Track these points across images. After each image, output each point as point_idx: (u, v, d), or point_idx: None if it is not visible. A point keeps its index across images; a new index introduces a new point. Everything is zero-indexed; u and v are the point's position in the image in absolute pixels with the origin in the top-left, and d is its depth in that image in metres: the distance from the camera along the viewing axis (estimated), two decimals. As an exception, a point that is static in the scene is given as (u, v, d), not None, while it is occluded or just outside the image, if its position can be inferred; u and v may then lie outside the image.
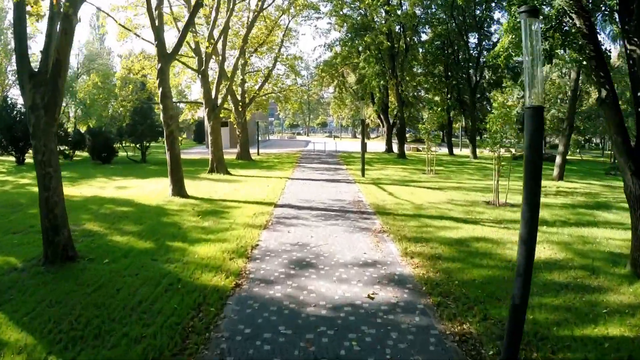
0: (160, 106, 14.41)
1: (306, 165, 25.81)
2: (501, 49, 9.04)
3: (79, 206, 12.44)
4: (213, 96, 21.11)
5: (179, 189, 14.00)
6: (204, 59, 20.31)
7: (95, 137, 27.76)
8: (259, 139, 53.41)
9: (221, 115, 34.22)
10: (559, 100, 42.35)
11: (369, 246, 8.50)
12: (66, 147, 29.69)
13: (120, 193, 14.92)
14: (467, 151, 41.12)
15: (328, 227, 9.92)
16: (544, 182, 19.18)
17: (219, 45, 21.77)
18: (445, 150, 40.53)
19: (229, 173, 21.09)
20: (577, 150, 39.91)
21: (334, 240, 8.88)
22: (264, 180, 19.08)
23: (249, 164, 26.82)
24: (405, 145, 35.19)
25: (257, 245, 8.53)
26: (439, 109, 21.48)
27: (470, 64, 32.65)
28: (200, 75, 20.94)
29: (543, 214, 12.11)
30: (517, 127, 14.51)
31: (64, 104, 51.21)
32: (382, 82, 29.25)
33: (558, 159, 21.07)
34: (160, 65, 13.81)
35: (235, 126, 28.72)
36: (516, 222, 10.47)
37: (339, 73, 36.95)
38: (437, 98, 34.11)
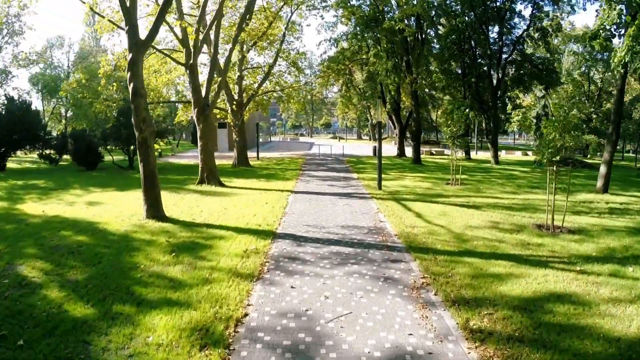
0: (133, 106, 11.60)
1: (311, 174, 23.00)
2: (600, 28, 6.22)
3: (31, 232, 9.84)
4: (203, 94, 18.31)
5: (154, 211, 11.21)
6: (192, 51, 17.50)
7: (77, 140, 25.02)
8: (259, 141, 50.78)
9: (218, 116, 31.72)
10: (585, 100, 39.42)
11: (412, 318, 5.66)
12: (52, 151, 27.06)
13: (88, 212, 12.17)
14: (485, 155, 38.30)
15: (347, 279, 7.06)
16: (589, 197, 16.31)
17: (212, 36, 18.99)
18: (461, 153, 37.76)
19: (221, 184, 18.32)
20: (598, 153, 37.02)
21: (358, 305, 6.03)
22: (262, 194, 16.30)
23: (247, 171, 24.00)
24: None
25: (245, 317, 5.70)
26: (465, 109, 18.55)
27: (491, 61, 29.74)
28: (187, 70, 18.15)
29: (610, 242, 9.32)
30: (577, 134, 11.63)
31: (52, 105, 48.92)
32: (395, 78, 26.37)
33: (602, 169, 18.11)
34: (130, 55, 11.02)
35: (232, 128, 25.94)
36: (592, 259, 8.18)
37: (346, 70, 34.10)
38: (448, 97, 31.30)
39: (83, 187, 17.59)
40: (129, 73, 11.25)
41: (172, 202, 13.84)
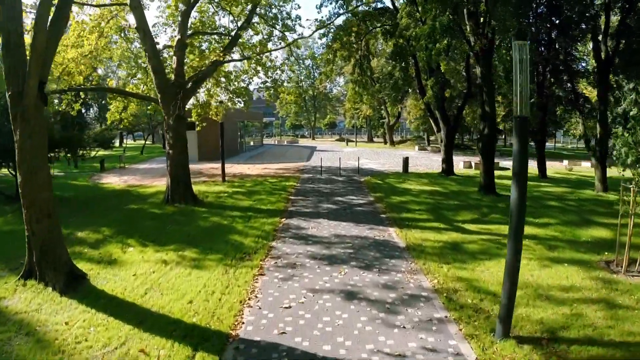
0: None
1: (303, 212, 12.05)
2: None
3: None
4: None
5: None
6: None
7: None
8: (244, 145, 39.61)
9: (149, 110, 20.74)
10: None
11: None
12: None
13: None
14: (557, 164, 26.83)
15: None
16: None
17: None
18: (530, 164, 26.36)
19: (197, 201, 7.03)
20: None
21: None
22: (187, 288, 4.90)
23: (178, 218, 12.83)
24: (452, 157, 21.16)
25: None
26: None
27: (595, 24, 18.27)
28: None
29: None
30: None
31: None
32: (448, 43, 15.08)
33: None
34: None
35: (166, 132, 14.75)
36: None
37: (361, 45, 22.87)
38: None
39: None
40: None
41: None
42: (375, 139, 60.00)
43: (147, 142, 50.47)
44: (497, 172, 22.94)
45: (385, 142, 49.72)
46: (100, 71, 38.68)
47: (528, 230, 11.06)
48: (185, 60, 17.21)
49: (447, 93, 21.89)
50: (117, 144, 51.60)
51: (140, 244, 9.95)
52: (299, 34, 36.66)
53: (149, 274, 7.93)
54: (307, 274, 7.62)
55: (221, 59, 14.71)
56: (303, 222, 11.40)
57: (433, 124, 20.91)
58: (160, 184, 18.98)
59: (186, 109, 21.42)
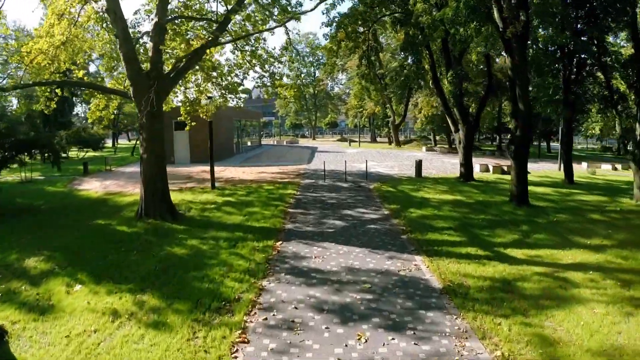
0: None
1: (304, 233, 9.67)
2: None
3: None
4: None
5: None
6: None
7: None
8: (240, 145, 36.92)
9: (127, 109, 18.30)
10: None
11: None
12: None
13: None
14: (547, 167, 24.43)
15: None
16: None
17: None
18: (549, 166, 24.25)
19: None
20: None
21: None
22: None
23: (160, 229, 10.45)
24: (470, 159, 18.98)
25: None
26: None
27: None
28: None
29: None
30: None
31: None
32: (473, 27, 12.67)
33: None
34: None
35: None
36: None
37: (368, 35, 20.45)
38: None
39: None
40: None
41: None
42: (378, 139, 57.59)
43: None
44: (509, 176, 20.53)
45: (390, 143, 47.24)
46: (93, 68, 35.85)
47: (583, 256, 8.73)
48: (169, 52, 14.86)
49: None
50: (110, 144, 49.34)
51: (93, 279, 7.60)
52: (300, 10, 34.22)
53: (88, 335, 5.57)
54: (310, 342, 5.23)
55: (204, 42, 12.29)
56: (304, 248, 9.00)
57: (450, 123, 18.51)
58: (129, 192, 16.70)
59: (174, 105, 19.08)
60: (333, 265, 7.89)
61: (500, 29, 13.58)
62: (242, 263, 8.01)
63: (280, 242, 9.34)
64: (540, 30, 17.82)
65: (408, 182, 17.95)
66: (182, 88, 18.81)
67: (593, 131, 36.20)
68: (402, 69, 21.07)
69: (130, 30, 15.49)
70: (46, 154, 21.20)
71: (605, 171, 25.77)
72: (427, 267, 7.91)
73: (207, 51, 15.52)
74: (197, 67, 16.03)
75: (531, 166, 24.80)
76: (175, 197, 15.01)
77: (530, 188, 16.63)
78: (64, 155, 31.94)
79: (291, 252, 8.68)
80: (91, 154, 34.39)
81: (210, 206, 13.39)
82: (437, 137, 45.34)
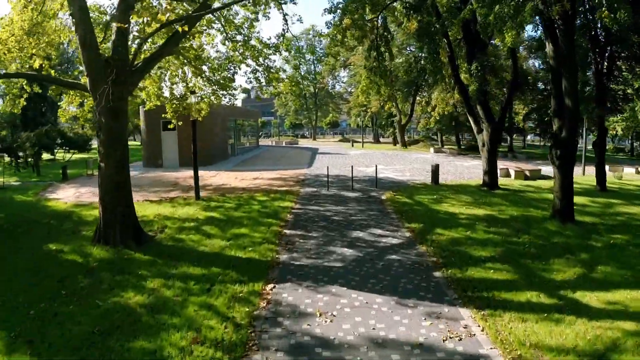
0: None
1: (304, 269, 7.21)
2: None
3: None
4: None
5: None
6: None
7: None
8: (236, 147, 34.26)
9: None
10: None
11: None
12: None
13: None
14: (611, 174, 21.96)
15: None
16: None
17: None
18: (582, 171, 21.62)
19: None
20: None
21: None
22: None
23: (118, 260, 7.98)
24: (486, 164, 16.63)
25: None
26: None
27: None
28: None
29: None
30: None
31: None
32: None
33: None
34: None
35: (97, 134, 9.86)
36: None
37: (375, 22, 18.02)
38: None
39: None
40: None
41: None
42: (381, 139, 55.10)
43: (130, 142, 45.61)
44: (541, 183, 17.99)
45: (395, 143, 44.73)
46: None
47: None
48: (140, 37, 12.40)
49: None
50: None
51: (4, 347, 5.18)
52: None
53: None
54: None
55: (174, 12, 9.85)
56: (304, 295, 6.54)
57: (472, 123, 16.05)
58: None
59: (158, 103, 16.60)
60: (347, 332, 5.42)
61: (538, 9, 11.06)
62: (216, 325, 5.56)
63: (272, 286, 6.87)
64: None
65: (425, 191, 15.47)
66: (168, 83, 16.47)
67: (613, 131, 33.67)
68: (416, 61, 18.56)
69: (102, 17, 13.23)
70: (12, 159, 18.82)
71: (631, 175, 23.38)
72: (481, 331, 5.47)
73: (191, 37, 13.13)
74: (182, 59, 13.65)
75: (546, 169, 22.37)
76: (151, 210, 12.58)
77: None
78: (51, 157, 29.58)
79: (286, 304, 6.22)
80: (77, 155, 31.93)
81: (189, 224, 10.93)
82: (443, 138, 42.90)
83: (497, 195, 15.10)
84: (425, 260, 8.13)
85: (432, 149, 36.60)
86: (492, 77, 16.40)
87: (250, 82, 15.78)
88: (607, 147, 24.95)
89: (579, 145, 17.41)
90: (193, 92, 14.39)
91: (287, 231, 10.18)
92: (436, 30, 15.95)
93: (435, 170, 16.89)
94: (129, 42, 10.59)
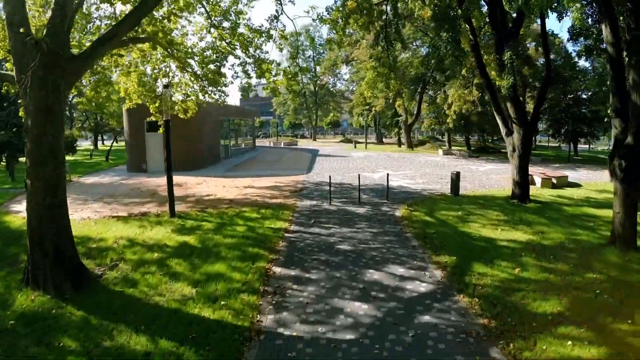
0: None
1: (296, 337, 4.66)
2: None
3: None
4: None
5: None
6: None
7: None
8: (229, 148, 31.73)
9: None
10: None
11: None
12: None
13: None
14: (591, 176, 19.41)
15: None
16: None
17: None
18: (591, 175, 19.12)
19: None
20: None
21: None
22: None
23: (45, 313, 5.52)
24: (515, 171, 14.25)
25: None
26: None
27: None
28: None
29: None
30: None
31: None
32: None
33: None
34: None
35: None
36: None
37: (382, 7, 15.74)
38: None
39: None
40: None
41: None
42: (384, 140, 52.61)
43: (118, 144, 43.12)
44: (572, 193, 15.33)
45: (399, 144, 42.18)
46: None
47: None
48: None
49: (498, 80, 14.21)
50: (92, 146, 44.37)
51: None
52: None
53: None
54: None
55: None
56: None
57: (500, 124, 13.57)
58: (85, 214, 11.99)
59: (139, 101, 14.21)
60: None
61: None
62: None
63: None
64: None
65: (445, 205, 12.99)
66: (149, 79, 14.08)
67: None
68: (435, 50, 15.99)
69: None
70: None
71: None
72: None
73: (166, 19, 10.76)
74: (160, 49, 11.28)
75: (571, 174, 19.93)
76: (113, 232, 10.18)
77: (603, 212, 11.96)
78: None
79: None
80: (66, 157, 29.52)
81: (152, 255, 8.49)
82: (451, 138, 40.35)
83: (531, 210, 12.65)
84: (471, 325, 5.68)
85: (440, 151, 34.12)
86: (527, 69, 13.91)
87: (238, 76, 13.43)
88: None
89: None
90: (167, 86, 11.98)
91: (278, 269, 7.71)
92: (460, 14, 13.52)
93: (455, 181, 14.45)
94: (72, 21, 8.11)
